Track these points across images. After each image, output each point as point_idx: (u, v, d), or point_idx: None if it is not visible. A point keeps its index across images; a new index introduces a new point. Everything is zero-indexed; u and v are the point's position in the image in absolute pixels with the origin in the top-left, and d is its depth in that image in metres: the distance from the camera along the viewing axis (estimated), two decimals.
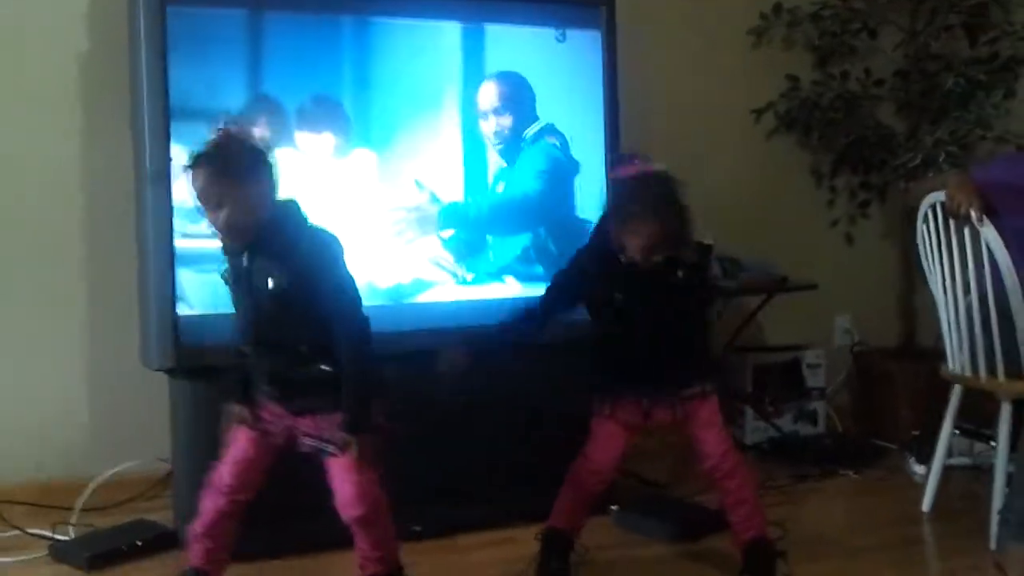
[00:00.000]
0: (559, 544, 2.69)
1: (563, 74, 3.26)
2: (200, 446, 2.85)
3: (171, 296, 2.80)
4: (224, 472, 2.37)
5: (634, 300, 2.54)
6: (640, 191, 2.50)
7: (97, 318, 3.38)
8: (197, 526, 2.41)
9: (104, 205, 3.33)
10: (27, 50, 3.29)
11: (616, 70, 3.32)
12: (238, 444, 2.38)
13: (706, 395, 2.63)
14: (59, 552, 2.91)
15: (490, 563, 2.86)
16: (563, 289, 2.66)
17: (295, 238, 2.26)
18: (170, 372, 2.90)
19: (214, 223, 2.24)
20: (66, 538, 3.01)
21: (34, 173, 3.31)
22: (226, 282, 2.34)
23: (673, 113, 3.98)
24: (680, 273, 2.56)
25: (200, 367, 2.82)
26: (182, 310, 2.81)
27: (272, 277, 2.24)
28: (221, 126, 2.26)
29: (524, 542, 2.77)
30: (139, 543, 2.93)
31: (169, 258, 2.79)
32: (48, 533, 3.02)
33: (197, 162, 2.22)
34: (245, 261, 2.28)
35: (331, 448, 2.29)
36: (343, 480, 2.31)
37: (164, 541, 2.97)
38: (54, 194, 3.34)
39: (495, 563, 2.85)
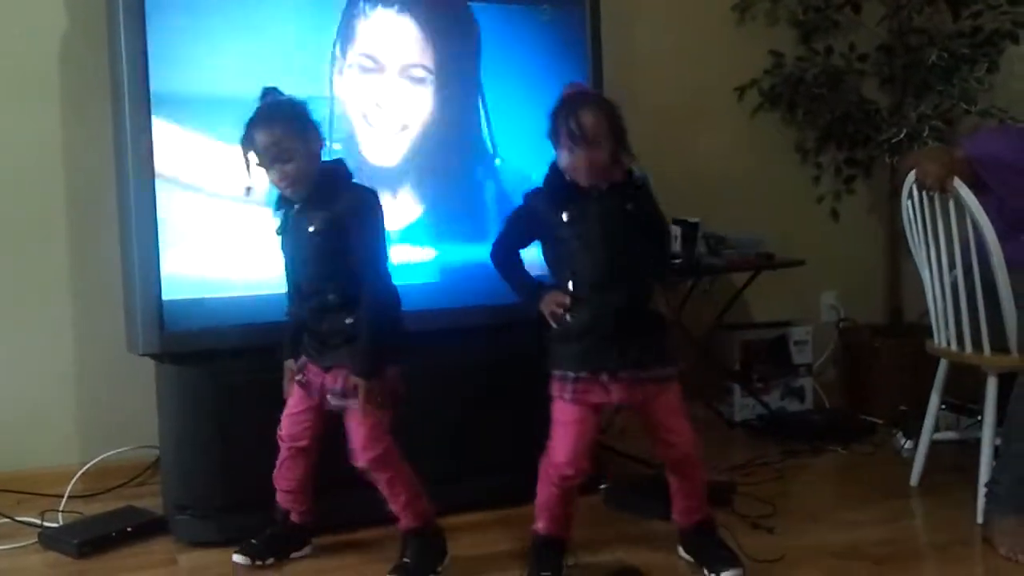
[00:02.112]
0: (550, 551, 2.60)
1: (547, 52, 3.24)
2: (187, 432, 2.86)
3: (156, 281, 2.78)
4: (283, 424, 2.69)
5: (580, 220, 2.50)
6: (579, 94, 2.57)
7: (82, 304, 3.37)
8: (276, 478, 2.73)
9: (86, 189, 3.31)
10: (5, 29, 3.26)
11: (600, 47, 3.30)
12: (292, 398, 2.69)
13: (669, 379, 2.57)
14: (48, 539, 2.91)
15: (483, 543, 2.86)
16: (513, 226, 2.66)
17: (339, 189, 2.56)
18: (156, 357, 2.89)
19: (283, 176, 2.51)
20: (55, 525, 3.00)
21: (14, 156, 3.29)
22: (278, 234, 2.63)
23: (657, 91, 3.97)
24: (629, 206, 2.52)
25: (186, 352, 2.82)
26: (167, 295, 2.79)
27: (314, 222, 2.52)
28: (267, 90, 2.55)
29: (518, 524, 2.77)
30: (128, 529, 2.93)
31: (154, 243, 2.77)
32: (37, 521, 3.01)
33: (264, 121, 2.49)
34: (295, 211, 2.57)
35: (350, 402, 2.53)
36: (355, 429, 2.55)
37: (153, 527, 2.97)
38: (35, 178, 3.31)
39: (488, 543, 2.86)
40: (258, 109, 2.52)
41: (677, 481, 2.65)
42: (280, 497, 2.75)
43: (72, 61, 3.31)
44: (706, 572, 2.62)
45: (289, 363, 2.69)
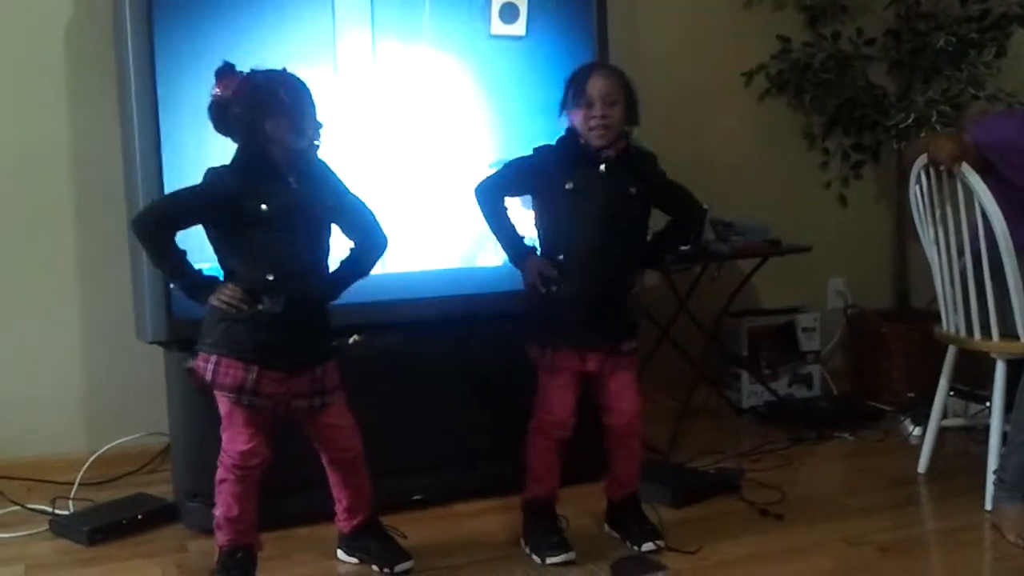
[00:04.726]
0: (548, 516, 2.69)
1: (555, 39, 3.23)
2: (197, 418, 2.86)
3: None
4: (249, 450, 2.39)
5: (583, 194, 2.56)
6: (593, 61, 2.76)
7: (91, 291, 3.37)
8: (234, 511, 2.42)
9: (94, 177, 3.30)
10: (9, 21, 3.25)
11: (607, 34, 3.30)
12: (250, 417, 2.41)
13: (632, 353, 2.68)
14: (59, 527, 2.92)
15: (488, 530, 2.88)
16: (514, 173, 2.67)
17: None
18: (164, 345, 2.90)
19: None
20: (66, 513, 3.01)
21: (22, 147, 3.29)
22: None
23: (664, 76, 3.95)
24: (633, 190, 2.60)
25: (194, 339, 2.80)
26: None
27: None
28: None
29: (518, 511, 2.77)
30: (139, 516, 2.94)
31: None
32: (48, 508, 3.03)
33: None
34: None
35: (337, 395, 2.51)
36: (342, 423, 2.52)
37: (164, 514, 2.98)
38: (43, 167, 3.31)
39: (494, 530, 2.87)
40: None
41: (617, 451, 2.73)
42: (242, 534, 2.46)
43: (78, 49, 3.30)
44: (629, 545, 2.71)
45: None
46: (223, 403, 2.39)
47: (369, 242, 2.52)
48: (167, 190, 2.75)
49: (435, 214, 3.09)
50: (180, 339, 2.82)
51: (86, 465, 3.24)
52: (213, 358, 2.37)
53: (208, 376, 2.37)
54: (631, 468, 2.76)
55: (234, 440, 2.39)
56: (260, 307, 2.34)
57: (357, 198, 2.51)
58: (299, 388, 2.42)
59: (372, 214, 2.52)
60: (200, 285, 2.37)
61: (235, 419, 2.38)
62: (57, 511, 3.01)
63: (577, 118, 2.57)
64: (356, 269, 2.52)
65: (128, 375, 3.33)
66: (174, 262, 2.36)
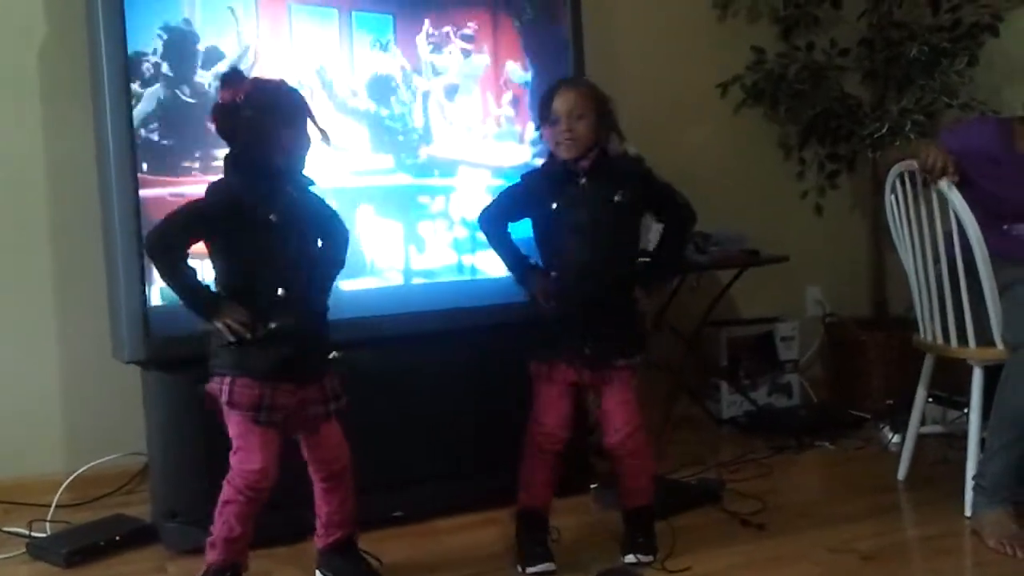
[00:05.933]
0: (536, 526, 2.71)
1: (529, 52, 3.24)
2: (175, 438, 2.85)
3: (141, 287, 2.77)
4: (263, 472, 2.36)
5: (568, 209, 2.59)
6: (563, 77, 2.80)
7: (67, 311, 3.35)
8: (235, 532, 2.38)
9: (69, 197, 3.28)
10: None
11: (582, 46, 3.31)
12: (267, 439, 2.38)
13: (626, 368, 2.65)
14: (36, 549, 2.89)
15: (470, 546, 2.86)
16: (507, 201, 2.72)
17: None
18: (142, 364, 2.88)
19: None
20: (43, 535, 2.98)
21: None
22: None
23: (640, 88, 3.96)
24: (617, 197, 2.61)
25: (172, 358, 2.80)
26: (153, 301, 2.78)
27: None
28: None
29: (504, 524, 2.77)
30: (117, 538, 2.91)
31: (137, 249, 2.75)
32: (24, 531, 3.00)
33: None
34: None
35: (336, 404, 2.49)
36: (335, 433, 2.51)
37: (142, 535, 2.95)
38: (17, 187, 3.29)
39: (475, 546, 2.86)
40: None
41: (618, 466, 2.72)
42: (236, 554, 2.43)
43: (52, 65, 3.28)
44: (620, 554, 2.72)
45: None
46: (237, 423, 2.35)
47: (339, 237, 2.52)
48: (142, 207, 2.74)
49: (420, 227, 3.10)
50: (158, 358, 2.81)
51: (63, 486, 3.21)
52: (228, 379, 2.34)
53: (224, 398, 2.34)
54: (631, 484, 2.73)
55: (247, 460, 2.35)
56: (272, 326, 2.33)
57: (322, 199, 2.52)
58: (312, 396, 2.42)
59: (336, 212, 2.54)
60: (209, 305, 2.33)
61: (250, 439, 2.35)
62: (34, 533, 2.98)
63: (547, 135, 2.62)
64: (335, 269, 2.51)
65: (106, 395, 3.30)
66: (186, 281, 2.32)
